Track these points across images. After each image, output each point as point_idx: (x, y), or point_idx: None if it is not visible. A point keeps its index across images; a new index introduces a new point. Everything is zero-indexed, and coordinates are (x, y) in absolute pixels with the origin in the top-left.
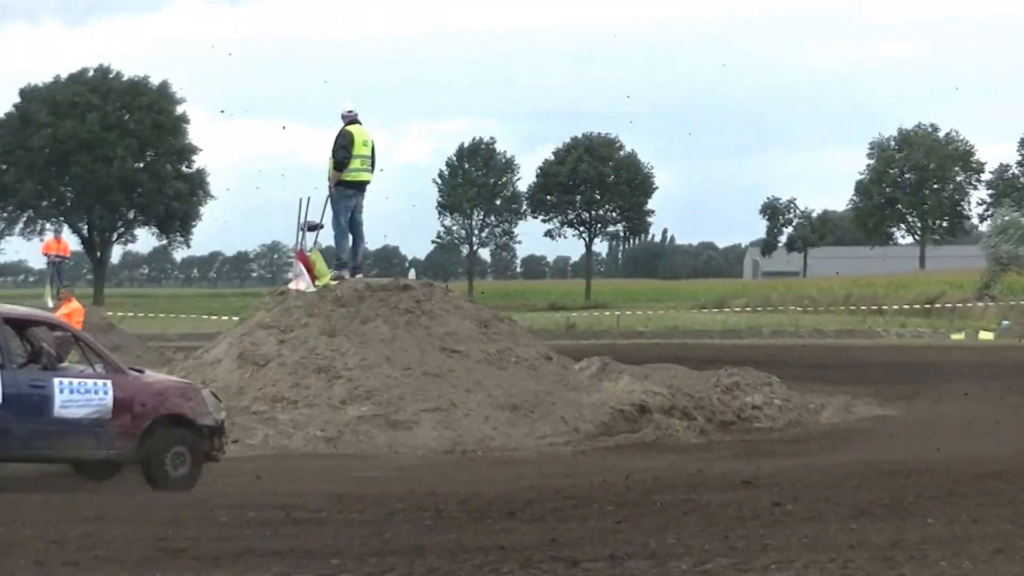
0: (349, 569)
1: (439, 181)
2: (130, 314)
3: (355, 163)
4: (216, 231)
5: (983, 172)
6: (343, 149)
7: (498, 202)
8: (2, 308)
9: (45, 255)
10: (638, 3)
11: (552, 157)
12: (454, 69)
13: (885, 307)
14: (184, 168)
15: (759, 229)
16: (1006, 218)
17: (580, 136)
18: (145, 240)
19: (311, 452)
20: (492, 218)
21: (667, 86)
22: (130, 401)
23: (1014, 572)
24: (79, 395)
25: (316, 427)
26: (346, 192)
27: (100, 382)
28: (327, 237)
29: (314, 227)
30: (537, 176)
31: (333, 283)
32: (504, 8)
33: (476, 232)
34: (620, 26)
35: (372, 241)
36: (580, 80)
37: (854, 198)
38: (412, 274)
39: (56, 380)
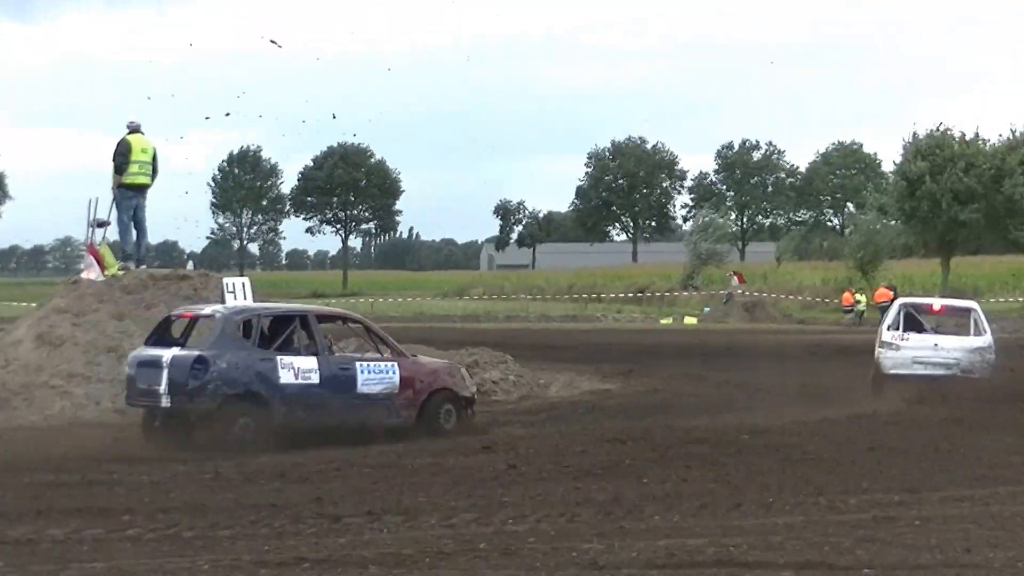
0: (138, 524)
1: (212, 184)
2: None
3: (133, 168)
4: (9, 227)
5: (685, 179)
6: (121, 156)
7: (264, 203)
8: (313, 308)
9: None
10: (393, 32)
11: (311, 164)
12: (226, 85)
13: (603, 295)
14: None
15: (493, 227)
16: (706, 219)
17: (336, 145)
18: None
19: (103, 422)
20: (259, 217)
21: (416, 102)
22: (412, 379)
23: (716, 524)
24: (375, 375)
25: (107, 400)
26: (127, 193)
27: (390, 364)
28: (114, 233)
29: (102, 224)
30: (298, 180)
31: (120, 273)
32: (270, 31)
33: (246, 229)
34: (378, 51)
35: (154, 236)
36: (337, 96)
37: (575, 201)
38: (190, 266)
39: (358, 363)
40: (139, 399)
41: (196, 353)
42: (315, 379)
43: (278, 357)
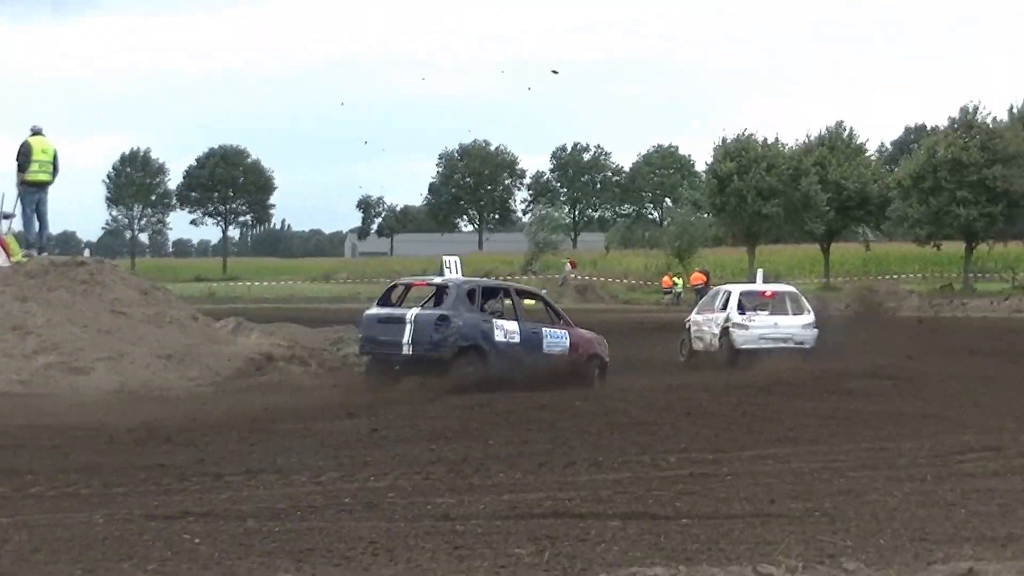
0: (40, 483)
1: (107, 181)
2: None
3: (34, 167)
4: None
5: (525, 177)
6: (23, 156)
7: (153, 197)
8: (512, 284)
9: None
10: (267, 51)
11: (195, 163)
12: (120, 94)
13: None
14: None
15: (356, 219)
16: (543, 212)
17: (217, 147)
18: None
19: (9, 392)
20: (149, 210)
21: (290, 109)
22: (577, 344)
23: (553, 480)
24: (554, 339)
25: (12, 373)
26: (30, 189)
27: (562, 331)
28: (19, 224)
29: (7, 216)
30: (184, 178)
31: (24, 260)
32: (157, 51)
33: (137, 220)
34: (254, 68)
35: (55, 227)
36: (217, 104)
37: (428, 196)
38: (87, 253)
39: (544, 329)
40: (377, 348)
41: (439, 312)
42: (516, 339)
43: (493, 320)
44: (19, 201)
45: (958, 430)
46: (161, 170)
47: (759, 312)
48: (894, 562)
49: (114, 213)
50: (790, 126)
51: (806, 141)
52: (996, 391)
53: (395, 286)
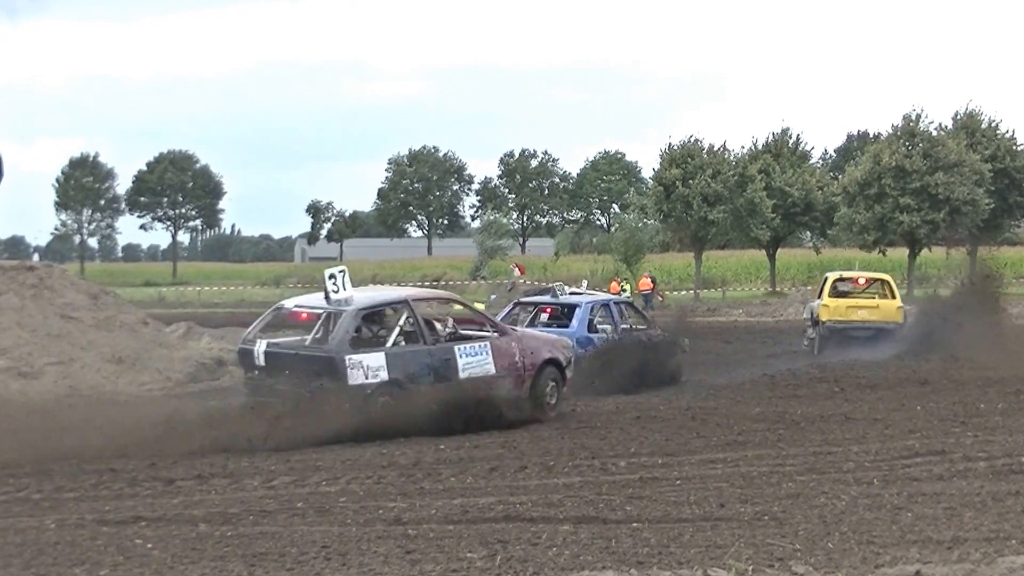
0: None
1: (56, 185)
2: None
3: None
4: None
5: (473, 183)
6: None
7: (102, 202)
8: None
9: None
10: (215, 56)
11: (144, 168)
12: (70, 98)
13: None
14: None
15: (305, 224)
16: (491, 219)
17: (166, 152)
18: None
19: None
20: (98, 214)
21: (238, 114)
22: None
23: (504, 484)
24: None
25: None
26: None
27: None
28: None
29: None
30: (133, 182)
31: None
32: (104, 55)
33: (86, 225)
34: (203, 73)
35: (2, 231)
36: (166, 108)
37: (377, 201)
38: (36, 258)
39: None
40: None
41: None
42: None
43: None
44: None
45: (904, 435)
46: (110, 175)
47: None
48: (842, 565)
49: (63, 218)
50: (736, 133)
51: (752, 148)
52: (940, 396)
53: None
